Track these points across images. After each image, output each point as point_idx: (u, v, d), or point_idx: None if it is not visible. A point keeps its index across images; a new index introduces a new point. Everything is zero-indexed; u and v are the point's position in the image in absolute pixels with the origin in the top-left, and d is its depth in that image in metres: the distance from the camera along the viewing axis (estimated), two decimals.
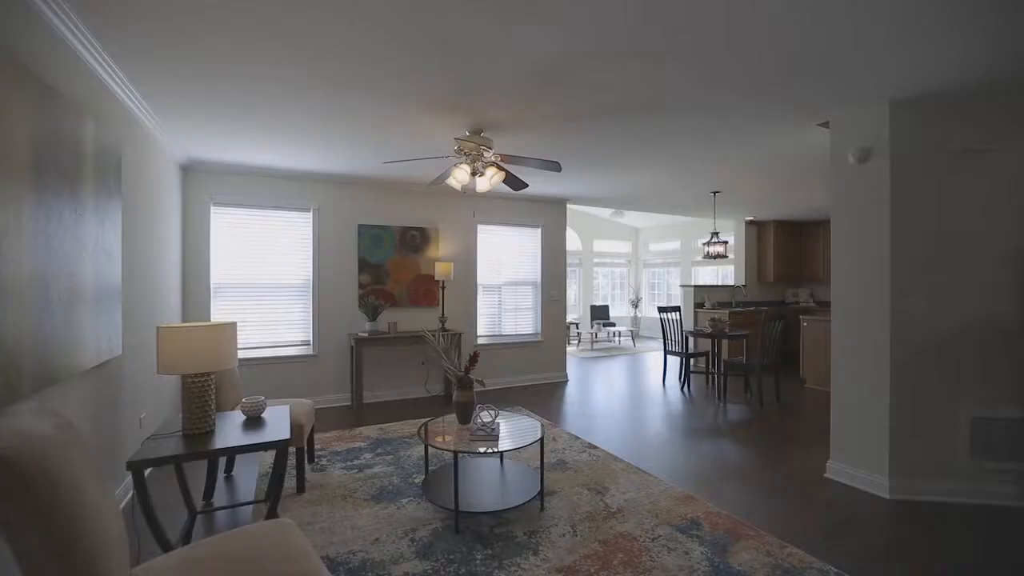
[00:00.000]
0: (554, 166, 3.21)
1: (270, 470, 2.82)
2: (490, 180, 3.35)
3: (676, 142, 3.68)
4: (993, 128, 2.79)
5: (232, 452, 2.06)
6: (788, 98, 2.84)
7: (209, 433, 2.17)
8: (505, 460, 3.17)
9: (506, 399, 5.19)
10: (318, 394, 4.85)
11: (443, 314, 5.25)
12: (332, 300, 4.93)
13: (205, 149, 3.81)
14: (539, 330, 6.14)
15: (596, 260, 11.19)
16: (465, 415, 2.81)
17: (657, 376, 6.51)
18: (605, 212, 9.98)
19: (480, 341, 5.75)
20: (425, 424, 2.89)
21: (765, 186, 5.31)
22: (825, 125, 3.22)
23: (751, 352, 5.53)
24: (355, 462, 3.36)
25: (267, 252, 4.70)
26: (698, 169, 4.64)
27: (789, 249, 8.22)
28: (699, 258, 10.25)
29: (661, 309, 6.20)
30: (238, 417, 2.43)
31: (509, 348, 5.92)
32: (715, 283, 9.47)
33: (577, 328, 10.00)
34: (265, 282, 4.70)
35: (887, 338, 2.87)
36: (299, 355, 4.80)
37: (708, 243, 5.64)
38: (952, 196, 2.83)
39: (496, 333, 5.92)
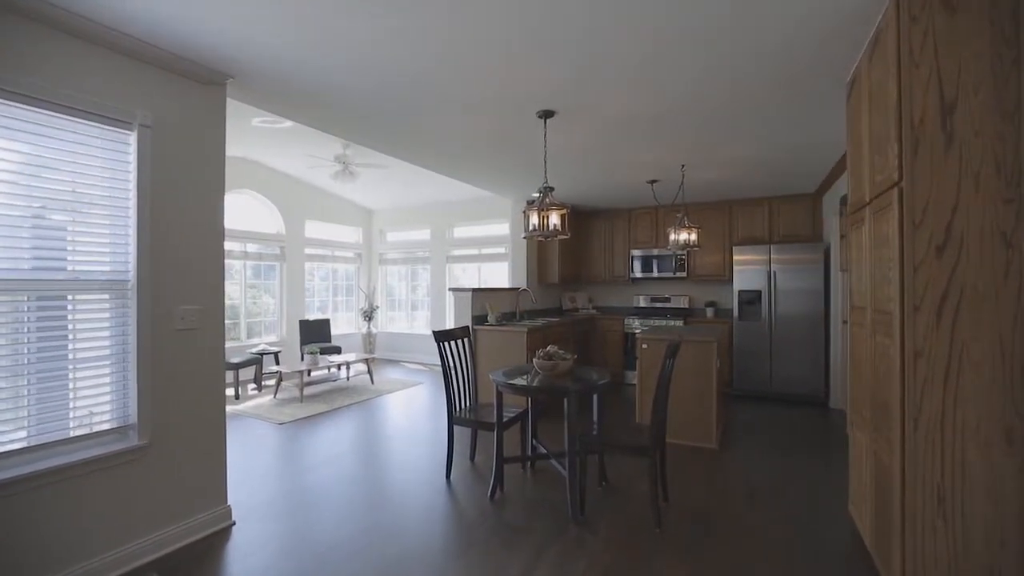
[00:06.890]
0: None
1: None
2: None
3: None
4: None
5: None
6: None
7: None
8: None
9: None
10: None
11: None
12: None
13: None
14: (132, 410, 2.23)
15: (310, 251, 7.37)
16: None
17: (431, 463, 3.46)
18: (324, 176, 6.35)
19: None
20: None
21: (638, 107, 2.88)
22: None
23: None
24: None
25: None
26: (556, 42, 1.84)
27: (573, 244, 6.49)
28: (455, 252, 7.76)
29: (440, 336, 3.21)
30: None
31: (6, 498, 1.83)
32: (478, 286, 7.07)
33: (277, 362, 6.01)
34: None
35: None
36: None
37: (538, 205, 2.92)
38: None
39: None
